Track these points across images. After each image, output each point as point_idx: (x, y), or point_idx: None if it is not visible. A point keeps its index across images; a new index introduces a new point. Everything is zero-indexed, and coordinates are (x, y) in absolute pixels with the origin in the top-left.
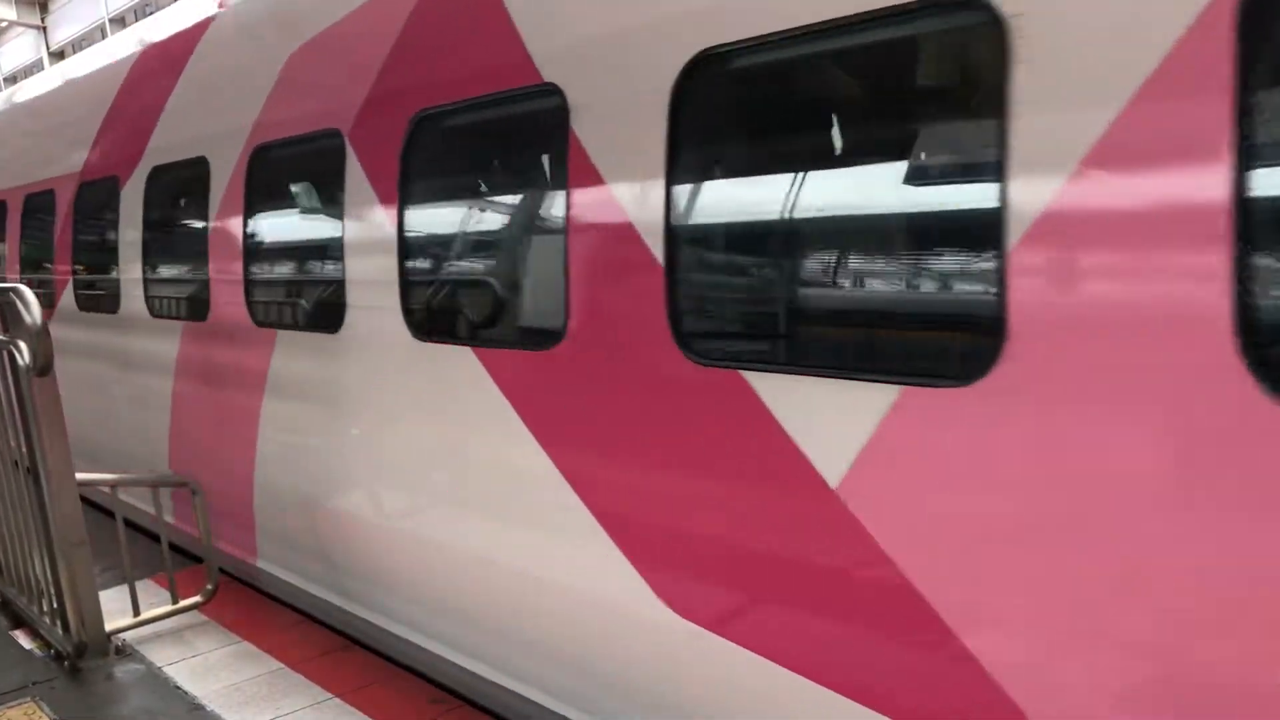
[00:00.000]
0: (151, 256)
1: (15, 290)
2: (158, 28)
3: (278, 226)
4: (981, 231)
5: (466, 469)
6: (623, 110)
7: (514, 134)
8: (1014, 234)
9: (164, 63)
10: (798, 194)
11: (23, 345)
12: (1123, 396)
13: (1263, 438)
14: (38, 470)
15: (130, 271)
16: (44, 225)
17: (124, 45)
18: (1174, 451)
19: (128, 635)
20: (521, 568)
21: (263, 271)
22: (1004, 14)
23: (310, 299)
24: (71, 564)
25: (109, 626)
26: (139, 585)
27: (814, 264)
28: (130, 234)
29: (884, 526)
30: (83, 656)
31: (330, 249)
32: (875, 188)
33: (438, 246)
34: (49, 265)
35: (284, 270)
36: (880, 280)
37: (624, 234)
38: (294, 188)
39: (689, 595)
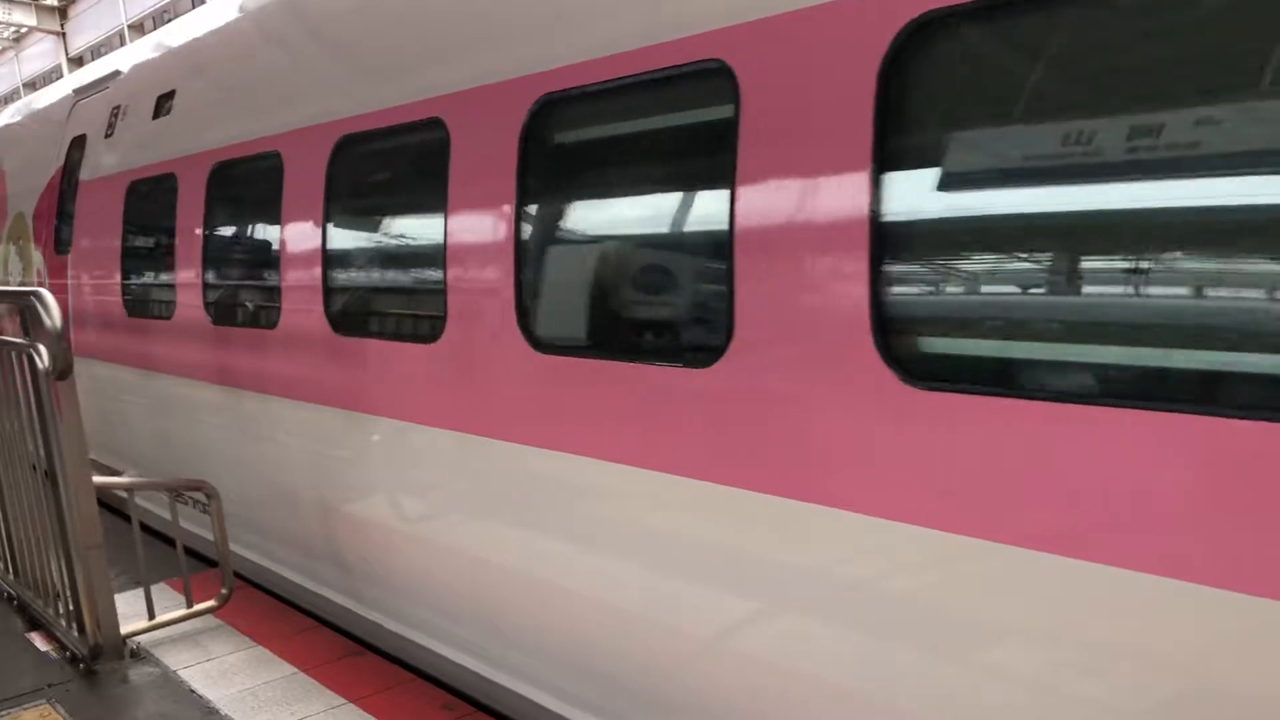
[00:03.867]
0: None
1: (36, 294)
2: None
3: None
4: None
5: None
6: None
7: None
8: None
9: None
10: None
11: (42, 349)
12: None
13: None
14: (55, 473)
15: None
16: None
17: None
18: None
19: (142, 639)
20: None
21: None
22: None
23: None
24: (87, 567)
25: (124, 630)
26: (154, 589)
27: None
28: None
29: None
30: (98, 659)
31: None
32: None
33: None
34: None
35: None
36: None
37: None
38: None
39: None
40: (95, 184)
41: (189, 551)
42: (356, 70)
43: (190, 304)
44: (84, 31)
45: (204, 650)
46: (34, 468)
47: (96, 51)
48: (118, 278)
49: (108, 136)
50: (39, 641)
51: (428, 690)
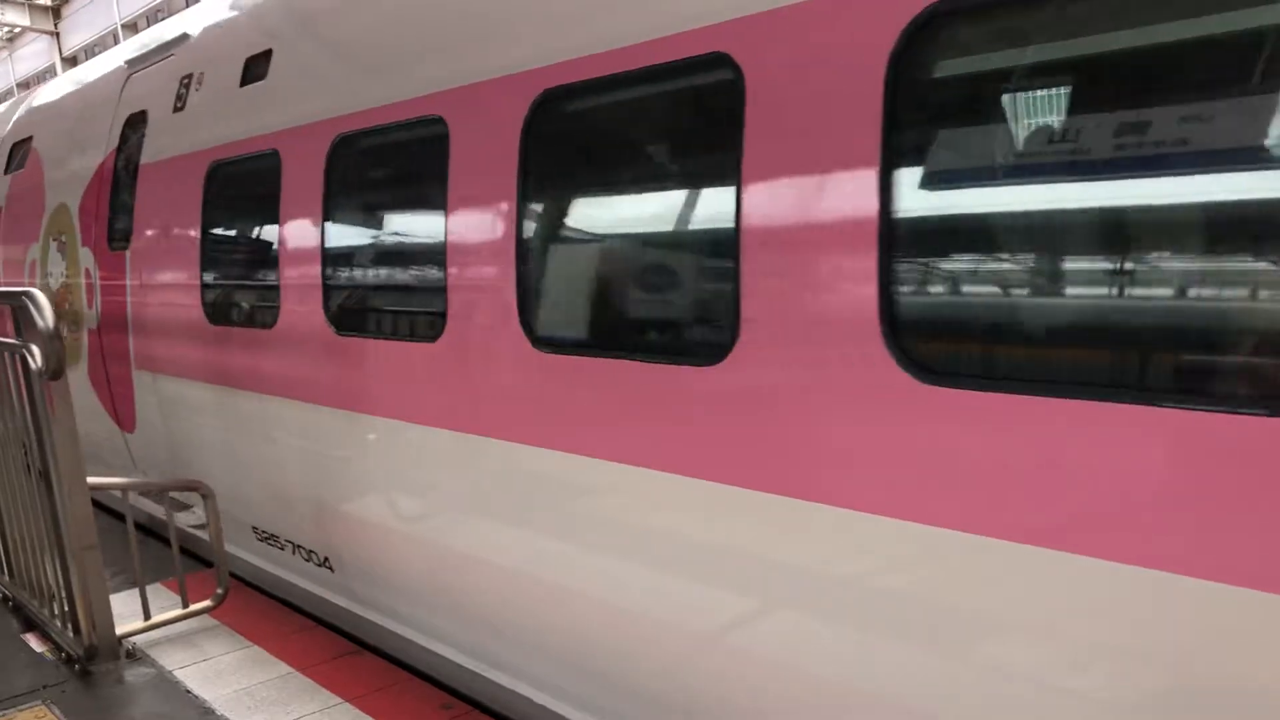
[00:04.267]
0: None
1: (28, 294)
2: None
3: None
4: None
5: None
6: None
7: None
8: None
9: None
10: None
11: (35, 349)
12: None
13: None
14: (49, 474)
15: None
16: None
17: None
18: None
19: (138, 639)
20: None
21: None
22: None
23: None
24: (82, 567)
25: (119, 630)
26: (149, 589)
27: None
28: None
29: None
30: (93, 660)
31: None
32: None
33: None
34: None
35: None
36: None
37: None
38: None
39: None
40: (162, 167)
41: (184, 551)
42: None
43: (303, 310)
44: (78, 31)
45: (200, 650)
46: (28, 469)
47: (90, 51)
48: (197, 277)
49: (177, 111)
50: (34, 643)
51: (425, 690)
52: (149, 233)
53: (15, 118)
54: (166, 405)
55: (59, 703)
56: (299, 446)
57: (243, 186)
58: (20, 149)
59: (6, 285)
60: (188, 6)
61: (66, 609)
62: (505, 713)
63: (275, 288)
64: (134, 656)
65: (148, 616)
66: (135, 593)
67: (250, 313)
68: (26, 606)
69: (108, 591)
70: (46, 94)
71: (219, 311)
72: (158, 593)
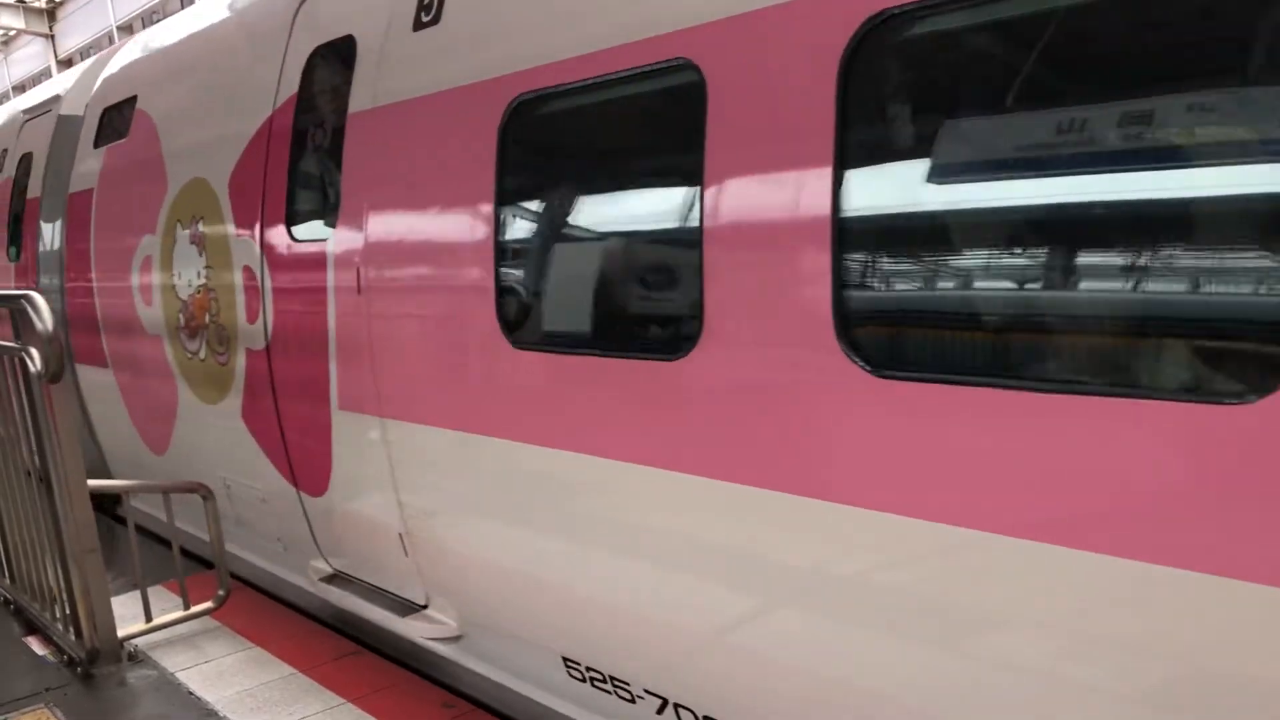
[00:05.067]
0: None
1: (26, 297)
2: None
3: None
4: None
5: None
6: None
7: None
8: None
9: None
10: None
11: (34, 352)
12: None
13: None
14: (50, 477)
15: None
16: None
17: None
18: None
19: (140, 641)
20: None
21: None
22: None
23: None
24: (84, 570)
25: (121, 632)
26: (151, 591)
27: None
28: None
29: None
30: (95, 663)
31: None
32: None
33: None
34: None
35: None
36: None
37: None
38: None
39: None
40: (397, 114)
41: (185, 553)
42: None
43: (769, 329)
44: (73, 33)
45: (201, 652)
46: (29, 473)
47: (86, 53)
48: (489, 274)
49: (423, 27)
50: (36, 646)
51: (426, 689)
52: (375, 212)
53: (105, 75)
54: (406, 467)
55: (61, 705)
56: (742, 563)
57: (596, 126)
58: (118, 114)
59: (107, 287)
60: (183, 8)
61: (68, 612)
62: (506, 711)
63: (689, 290)
64: (136, 659)
65: (149, 618)
66: (137, 595)
67: (613, 332)
68: (28, 609)
69: (109, 594)
70: (150, 41)
71: (536, 327)
72: (159, 595)
